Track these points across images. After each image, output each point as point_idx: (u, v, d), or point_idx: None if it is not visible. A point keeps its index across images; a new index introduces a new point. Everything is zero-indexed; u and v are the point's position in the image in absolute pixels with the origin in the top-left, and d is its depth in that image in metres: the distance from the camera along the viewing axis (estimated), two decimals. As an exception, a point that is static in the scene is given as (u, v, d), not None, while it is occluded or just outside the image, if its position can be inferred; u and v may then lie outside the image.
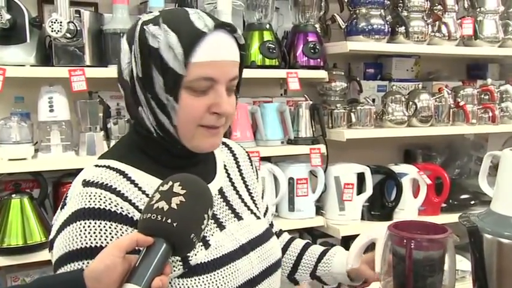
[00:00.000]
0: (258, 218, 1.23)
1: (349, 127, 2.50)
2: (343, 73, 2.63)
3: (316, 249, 1.39)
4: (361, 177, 2.45)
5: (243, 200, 1.22)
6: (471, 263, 1.10)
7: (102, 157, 1.11)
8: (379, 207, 2.53)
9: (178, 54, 0.99)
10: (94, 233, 0.96)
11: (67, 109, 1.99)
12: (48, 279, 0.88)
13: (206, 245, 1.06)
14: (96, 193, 0.98)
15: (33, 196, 2.01)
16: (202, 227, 0.90)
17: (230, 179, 1.22)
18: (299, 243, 1.42)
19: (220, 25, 1.03)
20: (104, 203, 0.98)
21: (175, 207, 0.86)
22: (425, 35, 2.55)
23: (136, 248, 0.86)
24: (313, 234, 2.55)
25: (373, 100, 2.63)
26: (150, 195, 0.93)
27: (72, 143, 2.04)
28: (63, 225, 0.99)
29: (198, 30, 1.00)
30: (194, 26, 1.01)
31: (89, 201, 0.98)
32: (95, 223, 0.96)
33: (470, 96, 2.75)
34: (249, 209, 1.22)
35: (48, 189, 2.08)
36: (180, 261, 1.02)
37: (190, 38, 1.00)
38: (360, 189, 2.47)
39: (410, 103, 2.57)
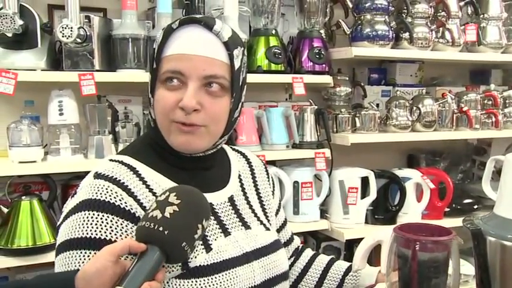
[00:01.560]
0: (267, 229, 1.23)
1: (353, 132, 2.52)
2: (347, 78, 2.65)
3: (342, 264, 1.38)
4: (365, 181, 2.47)
5: (253, 211, 1.23)
6: (475, 266, 1.12)
7: (119, 152, 1.16)
8: (383, 211, 2.54)
9: (156, 50, 1.08)
10: (96, 224, 0.99)
11: (76, 113, 2.02)
12: (44, 276, 0.91)
13: (207, 248, 1.07)
14: (104, 185, 1.02)
15: (42, 198, 2.03)
16: (196, 236, 0.92)
17: (243, 189, 1.24)
18: (324, 258, 1.41)
19: (191, 20, 1.06)
20: (110, 196, 1.01)
21: (168, 216, 0.90)
22: (429, 41, 2.57)
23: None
24: (317, 238, 2.57)
25: (377, 105, 2.65)
26: (156, 194, 0.99)
27: (81, 146, 2.07)
28: (69, 213, 1.03)
29: (169, 26, 1.08)
30: (169, 24, 1.09)
31: (96, 193, 1.01)
32: (98, 215, 0.99)
33: (474, 102, 2.77)
34: (258, 219, 1.22)
35: (57, 191, 2.11)
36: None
37: (164, 34, 1.07)
38: (364, 193, 2.48)
39: (414, 108, 2.59)
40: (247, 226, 1.17)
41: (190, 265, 1.04)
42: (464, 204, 2.71)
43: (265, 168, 1.36)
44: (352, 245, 2.51)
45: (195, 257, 1.05)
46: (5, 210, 1.99)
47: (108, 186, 1.02)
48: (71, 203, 1.05)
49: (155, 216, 0.90)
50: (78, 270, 0.88)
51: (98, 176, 1.05)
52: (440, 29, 2.64)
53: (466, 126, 2.72)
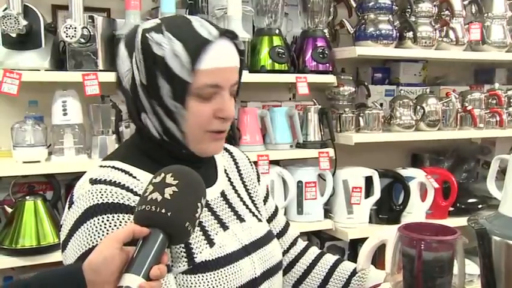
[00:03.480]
0: (260, 220, 1.25)
1: (357, 131, 2.52)
2: (351, 78, 2.65)
3: (348, 265, 1.36)
4: (369, 180, 2.46)
5: (244, 203, 1.24)
6: (480, 266, 1.11)
7: (105, 159, 1.13)
8: (387, 210, 2.54)
9: (185, 62, 1.01)
10: (110, 226, 0.97)
11: (80, 113, 2.02)
12: (48, 272, 0.89)
13: (211, 243, 1.08)
14: (106, 189, 1.00)
15: (46, 198, 2.04)
16: (196, 215, 0.92)
17: (231, 183, 1.25)
18: (330, 258, 1.39)
19: (223, 33, 1.06)
20: (117, 197, 1.00)
21: (169, 198, 0.88)
22: (432, 40, 2.56)
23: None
24: (321, 237, 2.57)
25: (381, 104, 2.64)
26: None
27: (85, 146, 2.07)
28: (76, 224, 1.00)
29: (203, 38, 1.03)
30: (198, 33, 1.03)
31: (101, 197, 0.99)
32: (113, 217, 0.98)
33: (478, 101, 2.76)
34: (250, 211, 1.24)
35: (61, 191, 2.11)
36: (185, 257, 1.05)
37: (196, 46, 1.02)
38: (368, 193, 2.48)
39: (418, 107, 2.58)
40: (241, 219, 1.19)
41: (196, 260, 1.05)
42: (468, 203, 2.70)
43: (248, 158, 1.37)
44: (356, 244, 2.50)
45: (200, 253, 1.06)
46: (9, 210, 1.99)
47: (111, 189, 1.01)
48: (71, 215, 1.02)
49: (155, 199, 0.88)
50: (83, 262, 0.86)
51: (94, 181, 1.02)
52: (444, 28, 2.63)
53: (470, 126, 2.71)
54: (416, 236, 1.02)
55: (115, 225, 0.98)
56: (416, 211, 2.54)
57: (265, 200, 1.36)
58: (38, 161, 1.95)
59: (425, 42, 2.56)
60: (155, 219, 0.87)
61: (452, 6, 2.61)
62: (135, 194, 1.02)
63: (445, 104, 2.66)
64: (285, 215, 2.42)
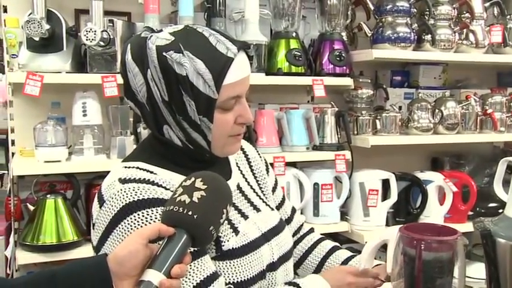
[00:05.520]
0: (272, 209, 1.32)
1: (374, 134, 2.52)
2: (369, 80, 2.64)
3: (342, 254, 1.42)
4: (386, 183, 2.46)
5: (257, 194, 1.30)
6: (485, 268, 1.11)
7: (126, 160, 1.18)
8: (404, 213, 2.53)
9: (208, 80, 1.06)
10: (156, 218, 1.02)
11: (99, 114, 2.07)
12: (73, 264, 0.92)
13: (236, 231, 1.16)
14: (139, 187, 1.05)
15: (66, 197, 2.10)
16: (221, 221, 0.95)
17: (243, 176, 1.31)
18: (326, 245, 1.45)
19: (240, 47, 1.11)
20: (151, 193, 1.05)
21: (196, 201, 0.91)
22: (452, 42, 2.55)
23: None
24: (337, 240, 2.55)
25: (400, 107, 2.63)
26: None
27: (104, 147, 2.12)
28: (114, 222, 1.04)
29: (224, 56, 1.08)
30: (218, 51, 1.08)
31: (135, 195, 1.04)
32: (151, 211, 1.03)
33: (499, 104, 2.73)
34: (263, 201, 1.30)
35: (80, 190, 2.17)
36: (214, 245, 1.11)
37: (219, 64, 1.07)
38: (385, 196, 2.47)
39: (436, 110, 2.56)
40: (257, 209, 1.26)
41: (223, 248, 1.12)
42: (488, 208, 2.66)
43: (256, 150, 1.42)
44: (372, 247, 2.49)
45: (227, 241, 1.13)
46: (31, 207, 2.05)
47: (144, 187, 1.05)
48: (106, 214, 1.06)
49: (183, 201, 0.91)
50: (106, 254, 0.90)
51: (124, 181, 1.07)
52: (464, 30, 2.60)
53: (491, 129, 2.68)
54: (417, 236, 1.02)
55: (156, 218, 1.03)
56: (434, 215, 2.52)
57: (273, 190, 1.41)
58: (59, 161, 2.01)
59: (444, 45, 2.54)
60: (181, 220, 0.90)
61: (472, 9, 2.59)
62: (166, 188, 1.07)
63: (464, 107, 2.63)
64: (301, 216, 2.44)
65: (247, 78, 1.14)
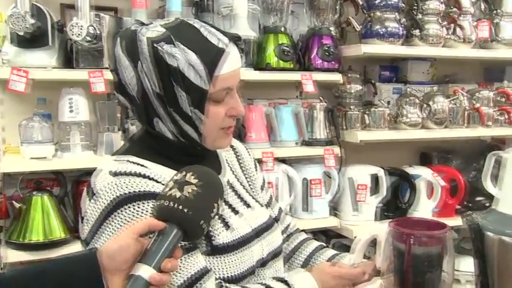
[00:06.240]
0: (262, 206, 1.32)
1: (363, 129, 2.52)
2: (358, 76, 2.64)
3: (326, 252, 1.42)
4: (375, 179, 2.47)
5: (247, 191, 1.30)
6: (474, 262, 1.11)
7: (117, 153, 1.18)
8: (394, 208, 2.54)
9: (200, 71, 1.06)
10: (147, 212, 1.02)
11: (87, 110, 2.05)
12: (63, 258, 0.93)
13: (227, 226, 1.16)
14: (130, 180, 1.05)
15: (53, 194, 2.08)
16: (212, 215, 0.95)
17: (233, 172, 1.31)
18: (311, 245, 1.45)
19: (231, 38, 1.12)
20: (142, 186, 1.05)
21: (188, 195, 0.91)
22: (440, 37, 2.55)
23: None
24: (327, 235, 2.57)
25: (388, 102, 2.63)
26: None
27: (91, 143, 2.10)
28: (105, 214, 1.03)
29: (216, 47, 1.08)
30: (210, 42, 1.09)
31: (126, 187, 1.04)
32: (143, 204, 1.03)
33: (486, 99, 2.74)
34: (253, 198, 1.30)
35: (67, 187, 2.15)
36: (204, 240, 1.11)
37: (211, 56, 1.08)
38: (375, 191, 2.48)
39: (425, 105, 2.57)
40: (248, 205, 1.25)
41: (214, 243, 1.12)
42: (477, 201, 2.68)
43: (245, 147, 1.42)
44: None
45: (218, 235, 1.13)
46: (17, 205, 2.03)
47: (135, 180, 1.05)
48: (96, 206, 1.05)
49: (175, 195, 0.91)
50: (96, 248, 0.91)
51: (115, 174, 1.06)
52: (452, 25, 2.61)
53: (479, 124, 2.69)
54: (406, 231, 1.02)
55: (147, 212, 1.02)
56: (423, 209, 2.53)
57: (262, 187, 1.41)
58: (45, 158, 1.98)
59: (433, 40, 2.55)
60: (172, 215, 0.91)
61: (460, 3, 2.60)
62: (157, 182, 1.07)
63: (452, 102, 2.64)
64: (291, 212, 2.44)
65: (238, 70, 1.14)
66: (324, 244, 1.46)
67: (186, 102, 1.08)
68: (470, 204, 2.63)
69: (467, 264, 2.24)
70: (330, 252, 1.42)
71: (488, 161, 1.58)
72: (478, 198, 2.68)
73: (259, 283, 1.17)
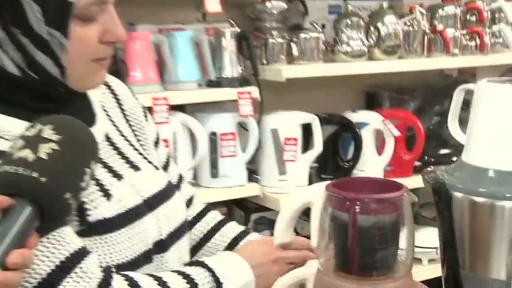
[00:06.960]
0: (156, 168, 1.32)
1: (289, 62, 2.54)
2: (281, -11, 2.64)
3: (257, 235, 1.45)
4: (307, 129, 2.50)
5: (134, 148, 1.30)
6: (438, 229, 1.14)
7: None
8: (332, 168, 2.60)
9: None
10: None
11: None
12: None
13: (108, 195, 1.14)
14: None
15: None
16: (83, 184, 0.93)
17: (113, 123, 1.29)
18: (234, 229, 1.46)
19: None
20: None
21: (45, 157, 0.88)
22: None
23: None
24: (246, 208, 2.59)
25: (323, 26, 2.65)
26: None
27: None
28: None
29: None
30: None
31: None
32: None
33: (452, 18, 2.82)
34: (143, 157, 1.30)
35: None
36: (76, 216, 1.08)
37: None
38: (307, 146, 2.52)
39: (372, 29, 2.61)
40: (135, 167, 1.25)
41: (90, 219, 1.10)
42: (440, 155, 2.79)
43: (131, 91, 1.42)
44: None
45: (95, 208, 1.11)
46: None
47: None
48: None
49: (25, 158, 0.88)
50: None
51: None
52: None
53: (442, 52, 2.77)
54: (349, 195, 1.02)
55: None
56: (371, 168, 2.61)
57: (156, 143, 1.41)
58: None
59: None
60: (23, 186, 0.87)
61: None
62: (3, 138, 1.05)
63: (407, 23, 2.69)
64: (195, 179, 2.43)
65: None
66: (250, 229, 1.50)
67: (39, 20, 1.05)
68: (432, 159, 2.73)
69: (429, 238, 2.35)
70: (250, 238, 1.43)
71: (456, 97, 1.62)
72: (443, 151, 2.79)
73: (172, 270, 1.17)
